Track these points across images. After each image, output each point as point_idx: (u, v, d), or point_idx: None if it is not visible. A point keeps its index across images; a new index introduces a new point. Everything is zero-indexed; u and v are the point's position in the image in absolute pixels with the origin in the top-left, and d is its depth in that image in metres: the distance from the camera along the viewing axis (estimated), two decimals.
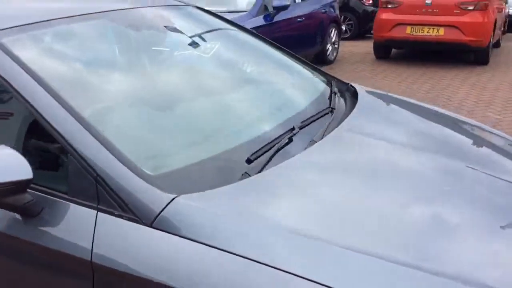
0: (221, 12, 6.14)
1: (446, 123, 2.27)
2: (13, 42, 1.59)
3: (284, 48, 2.68)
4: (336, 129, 1.86)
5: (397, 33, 8.10)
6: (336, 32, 8.49)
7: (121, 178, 1.33)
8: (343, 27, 11.71)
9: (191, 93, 1.89)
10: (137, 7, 2.17)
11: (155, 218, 1.28)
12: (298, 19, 7.12)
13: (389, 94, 2.62)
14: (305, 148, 1.68)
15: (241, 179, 1.46)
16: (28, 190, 1.36)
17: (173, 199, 1.30)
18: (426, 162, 1.76)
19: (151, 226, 1.28)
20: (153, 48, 2.11)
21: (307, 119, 1.88)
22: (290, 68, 2.50)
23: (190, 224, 1.27)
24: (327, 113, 2.01)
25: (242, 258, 1.20)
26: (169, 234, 1.26)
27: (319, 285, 1.13)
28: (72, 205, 1.37)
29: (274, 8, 6.49)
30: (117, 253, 1.29)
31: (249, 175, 1.47)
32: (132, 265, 1.26)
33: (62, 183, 1.40)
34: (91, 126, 1.42)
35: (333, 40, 8.41)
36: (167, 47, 2.12)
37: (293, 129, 1.76)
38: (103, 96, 1.66)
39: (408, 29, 8.01)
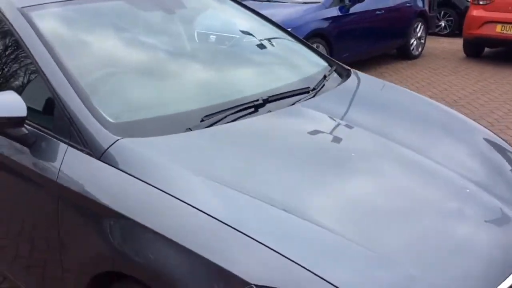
0: (294, 2, 6.44)
1: (420, 112, 2.38)
2: (38, 15, 2.06)
3: (295, 35, 2.92)
4: (298, 103, 2.12)
5: (486, 31, 7.77)
6: (422, 26, 8.33)
7: (86, 122, 1.74)
8: (442, 23, 11.36)
9: (171, 62, 2.26)
10: None
11: (102, 154, 1.67)
12: (377, 12, 7.15)
13: (386, 82, 2.76)
14: (256, 116, 1.97)
15: (184, 131, 1.79)
16: (25, 125, 1.81)
17: (117, 140, 1.68)
18: (359, 140, 1.95)
19: (99, 159, 1.67)
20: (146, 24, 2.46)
21: (277, 94, 2.16)
22: (293, 50, 2.76)
23: (126, 160, 1.64)
24: (305, 92, 2.26)
25: (156, 190, 1.53)
26: (110, 166, 1.64)
27: (223, 224, 1.42)
28: (54, 140, 1.80)
29: (350, 0, 6.60)
30: (74, 176, 1.70)
31: (191, 130, 1.80)
32: (83, 186, 1.67)
33: (50, 122, 1.84)
34: (75, 82, 1.84)
35: (418, 35, 8.27)
36: (166, 25, 2.49)
37: (256, 100, 2.05)
38: (95, 61, 2.08)
39: (499, 27, 7.64)
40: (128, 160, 1.64)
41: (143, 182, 1.56)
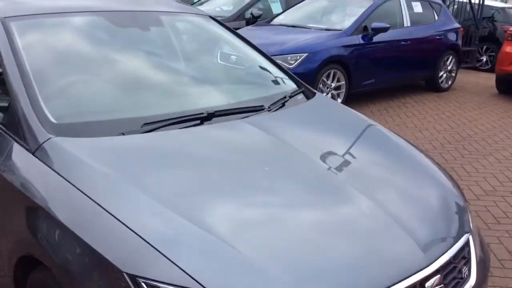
0: (317, 29, 6.56)
1: (351, 131, 2.50)
2: (19, 25, 2.29)
3: (271, 57, 3.05)
4: (241, 120, 2.24)
5: None
6: (454, 60, 8.23)
7: (29, 119, 1.94)
8: (484, 58, 11.15)
9: (127, 74, 2.44)
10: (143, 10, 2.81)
11: (36, 149, 1.85)
12: (403, 43, 7.16)
13: (343, 106, 2.83)
14: (194, 126, 2.11)
15: (117, 135, 1.96)
16: None
17: (49, 138, 1.86)
18: (274, 154, 2.08)
19: (33, 154, 1.86)
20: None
21: (227, 110, 2.29)
22: (266, 72, 2.88)
23: (53, 156, 1.82)
24: (259, 110, 2.38)
25: (71, 185, 1.69)
26: (40, 161, 1.82)
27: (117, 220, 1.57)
28: (4, 134, 2.01)
29: (373, 29, 6.66)
30: (11, 167, 1.90)
31: (124, 134, 1.96)
32: (15, 177, 1.86)
33: (5, 119, 2.05)
34: (30, 85, 2.04)
35: (448, 68, 8.18)
36: (136, 41, 2.68)
37: (201, 113, 2.19)
38: (57, 69, 2.28)
39: None
40: (55, 156, 1.81)
41: (61, 177, 1.73)
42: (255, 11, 8.12)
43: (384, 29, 6.70)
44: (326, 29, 6.68)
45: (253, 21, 8.00)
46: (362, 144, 2.40)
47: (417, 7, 7.61)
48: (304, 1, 7.78)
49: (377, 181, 2.02)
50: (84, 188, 1.68)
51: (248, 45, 3.06)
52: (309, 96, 2.78)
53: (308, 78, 6.04)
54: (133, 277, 1.43)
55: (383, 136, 2.53)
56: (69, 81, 2.25)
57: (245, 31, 7.09)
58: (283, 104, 2.52)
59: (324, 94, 6.31)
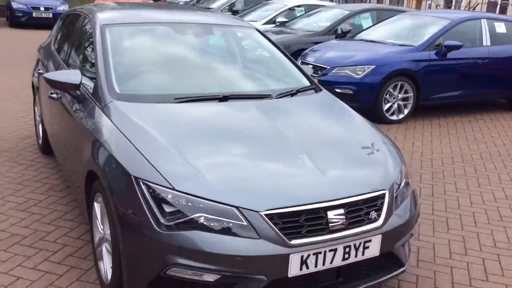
0: (392, 44, 7.16)
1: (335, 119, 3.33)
2: (111, 29, 3.44)
3: (296, 62, 3.89)
4: (248, 101, 3.16)
5: None
6: None
7: (103, 89, 3.03)
8: None
9: (180, 64, 3.47)
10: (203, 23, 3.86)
11: (103, 107, 2.94)
12: (479, 61, 7.42)
13: (340, 103, 3.57)
14: (212, 103, 3.08)
15: (156, 101, 2.98)
16: (80, 90, 3.18)
17: (111, 101, 2.93)
18: (258, 125, 2.95)
19: (102, 110, 2.94)
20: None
21: (240, 94, 3.23)
22: (286, 71, 3.75)
23: (115, 114, 2.87)
24: (267, 97, 3.28)
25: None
26: (106, 116, 2.89)
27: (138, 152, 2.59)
28: (90, 99, 3.13)
29: (445, 46, 7.07)
30: (89, 119, 3.00)
31: (158, 103, 2.97)
32: (90, 124, 2.95)
33: (93, 89, 3.16)
34: (109, 68, 3.15)
35: None
36: (191, 42, 3.72)
37: (218, 95, 3.15)
38: (129, 58, 3.37)
39: None
40: (112, 112, 2.88)
41: (114, 125, 2.78)
42: (344, 26, 8.86)
43: (457, 47, 7.08)
44: (400, 45, 7.24)
45: (342, 35, 8.75)
46: (330, 124, 3.22)
47: (501, 28, 7.79)
48: (389, 19, 8.38)
49: (323, 147, 2.82)
50: (124, 131, 2.70)
51: (279, 51, 3.95)
52: (316, 91, 3.60)
53: (373, 88, 6.73)
54: (136, 178, 2.41)
55: (353, 120, 3.30)
56: (133, 67, 3.35)
57: (326, 44, 7.91)
58: (291, 96, 3.40)
59: (390, 104, 6.89)
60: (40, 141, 4.96)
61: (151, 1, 15.92)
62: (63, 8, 16.28)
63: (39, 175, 4.46)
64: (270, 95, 3.34)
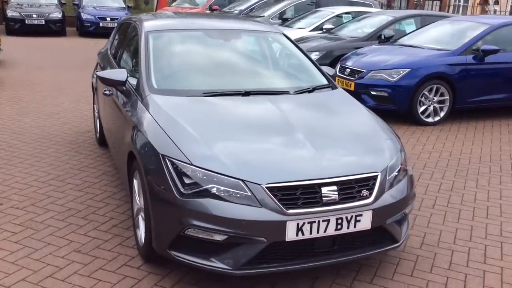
0: (430, 49, 7.37)
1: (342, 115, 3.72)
2: (154, 35, 4.03)
3: (317, 65, 4.31)
4: (267, 96, 3.63)
5: None
6: None
7: (143, 85, 3.59)
8: None
9: (211, 65, 3.99)
10: (235, 29, 4.38)
11: (142, 99, 3.50)
12: None
13: (353, 100, 3.96)
14: (235, 97, 3.58)
15: (186, 95, 3.50)
16: (126, 86, 3.77)
17: (149, 94, 3.48)
18: (270, 116, 3.41)
19: (141, 102, 3.50)
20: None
21: (261, 90, 3.70)
22: (308, 71, 4.19)
23: (151, 104, 3.42)
24: (285, 93, 3.74)
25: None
26: (144, 107, 3.45)
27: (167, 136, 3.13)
28: (133, 93, 3.70)
29: (482, 51, 7.21)
30: (131, 108, 3.58)
31: (189, 96, 3.50)
32: (133, 113, 3.52)
33: (136, 85, 3.74)
34: (149, 67, 3.71)
35: None
36: (221, 46, 4.24)
37: (241, 91, 3.64)
38: (168, 59, 3.93)
39: None
40: (149, 103, 3.43)
41: (149, 114, 3.33)
42: (387, 31, 9.11)
43: (494, 51, 7.20)
44: (438, 49, 7.45)
45: (384, 41, 9.01)
46: (336, 116, 3.64)
47: None
48: (430, 25, 8.57)
49: (324, 134, 3.27)
50: (157, 119, 3.24)
51: (303, 53, 4.38)
52: (332, 89, 4.02)
53: (408, 91, 7.00)
54: (163, 156, 2.92)
55: (360, 114, 3.70)
56: (170, 66, 3.91)
57: (366, 48, 8.23)
58: (309, 92, 3.84)
59: (425, 106, 7.12)
60: (97, 135, 5.64)
61: (208, 11, 16.71)
62: None
63: (95, 163, 5.12)
64: (288, 91, 3.79)
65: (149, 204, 2.97)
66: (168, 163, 2.89)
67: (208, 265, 2.83)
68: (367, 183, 2.98)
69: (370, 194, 2.96)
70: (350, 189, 2.92)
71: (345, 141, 3.28)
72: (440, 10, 43.50)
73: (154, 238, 2.99)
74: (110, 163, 5.09)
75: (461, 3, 53.93)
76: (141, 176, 3.10)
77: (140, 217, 3.30)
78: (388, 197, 3.03)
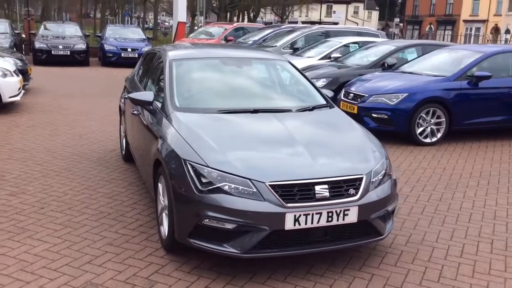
0: (427, 75, 7.98)
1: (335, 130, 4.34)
2: (176, 63, 4.72)
3: (316, 86, 4.96)
4: (273, 113, 4.26)
5: None
6: None
7: (168, 104, 4.26)
8: None
9: (225, 88, 4.66)
10: (245, 57, 5.05)
11: (167, 116, 4.16)
12: (509, 90, 8.04)
13: (347, 118, 4.56)
14: (245, 115, 4.21)
15: (204, 112, 4.15)
16: (152, 105, 4.45)
17: (173, 112, 4.15)
18: (274, 130, 4.02)
19: (166, 118, 4.16)
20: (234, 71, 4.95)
21: (266, 109, 4.34)
22: (308, 93, 4.83)
23: (174, 120, 4.08)
24: (288, 111, 4.38)
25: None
26: (168, 122, 4.10)
27: (187, 143, 3.77)
28: (159, 113, 4.36)
29: (475, 76, 7.80)
30: (157, 124, 4.23)
31: (206, 113, 4.15)
32: (159, 128, 4.17)
33: (161, 106, 4.41)
34: (173, 89, 4.40)
35: None
36: (234, 72, 4.90)
37: (250, 109, 4.27)
38: (188, 83, 4.60)
39: None
40: (173, 119, 4.08)
41: (173, 128, 3.97)
42: (390, 60, 9.75)
43: (487, 77, 7.79)
44: (434, 75, 8.06)
45: (387, 68, 9.65)
46: (331, 130, 4.26)
47: None
48: (430, 53, 9.21)
49: (319, 144, 3.88)
50: (180, 131, 3.88)
51: (305, 78, 5.03)
52: (330, 108, 4.64)
53: (406, 113, 7.59)
54: (184, 160, 3.55)
55: (352, 129, 4.31)
56: (190, 88, 4.58)
57: (368, 75, 8.87)
58: (309, 111, 4.48)
59: (423, 127, 7.69)
60: (123, 152, 6.31)
61: (223, 42, 17.58)
62: (147, 49, 18.40)
63: (121, 175, 5.77)
64: (291, 110, 4.43)
65: (172, 201, 3.58)
66: (188, 166, 3.51)
67: (221, 250, 3.41)
68: (353, 183, 3.56)
69: (356, 192, 3.54)
70: (339, 188, 3.50)
71: (337, 150, 3.88)
72: (451, 39, 44.35)
73: (176, 229, 3.59)
74: (135, 176, 5.74)
75: (473, 32, 54.55)
76: (165, 178, 3.72)
77: (163, 214, 3.91)
78: (373, 196, 3.60)
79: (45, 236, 4.13)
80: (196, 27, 36.56)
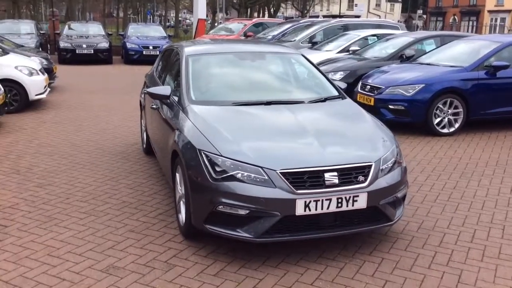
0: (445, 66, 8.01)
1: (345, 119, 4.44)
2: (192, 58, 4.90)
3: (329, 79, 5.07)
4: (285, 105, 4.39)
5: None
6: None
7: (184, 97, 4.44)
8: None
9: (239, 80, 4.81)
10: (260, 51, 5.19)
11: (183, 109, 4.34)
12: None
13: (358, 109, 4.65)
14: (259, 106, 4.36)
15: (219, 105, 4.32)
16: (170, 99, 4.63)
17: (189, 105, 4.32)
18: (287, 120, 4.16)
19: (182, 111, 4.34)
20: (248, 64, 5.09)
21: (280, 100, 4.48)
22: (321, 85, 4.95)
23: (190, 113, 4.25)
24: (301, 102, 4.51)
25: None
26: (184, 114, 4.27)
27: (202, 135, 3.94)
28: (176, 106, 4.55)
29: (493, 66, 7.78)
30: (174, 116, 4.42)
31: (221, 105, 4.31)
32: (176, 120, 4.35)
33: (178, 98, 4.58)
34: (189, 83, 4.57)
35: None
36: (248, 65, 5.05)
37: (263, 101, 4.42)
38: (204, 76, 4.76)
39: None
40: (189, 112, 4.25)
41: (189, 120, 4.14)
42: (408, 51, 9.76)
43: (504, 67, 7.75)
44: (451, 66, 8.06)
45: (405, 60, 9.66)
46: (342, 120, 4.36)
47: None
48: (447, 44, 9.19)
49: (330, 133, 4.01)
50: (195, 123, 4.05)
51: (318, 71, 5.15)
52: (342, 99, 4.75)
53: (423, 104, 7.63)
54: (199, 150, 3.72)
55: (362, 119, 4.40)
56: (206, 82, 4.74)
57: (386, 67, 8.90)
58: (321, 102, 4.60)
59: (440, 118, 7.71)
60: (144, 145, 6.53)
61: (243, 37, 17.73)
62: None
63: (142, 168, 5.99)
64: (303, 101, 4.56)
65: (189, 190, 3.75)
66: (203, 155, 3.68)
67: (235, 234, 3.58)
68: (362, 170, 3.67)
69: (365, 179, 3.66)
70: (348, 175, 3.62)
71: (347, 139, 4.00)
72: (476, 30, 43.60)
73: (193, 216, 3.76)
74: (155, 168, 5.94)
75: (498, 23, 53.49)
76: (182, 168, 3.90)
77: (181, 202, 4.08)
78: (382, 182, 3.71)
79: (71, 224, 4.36)
80: (216, 24, 36.81)
